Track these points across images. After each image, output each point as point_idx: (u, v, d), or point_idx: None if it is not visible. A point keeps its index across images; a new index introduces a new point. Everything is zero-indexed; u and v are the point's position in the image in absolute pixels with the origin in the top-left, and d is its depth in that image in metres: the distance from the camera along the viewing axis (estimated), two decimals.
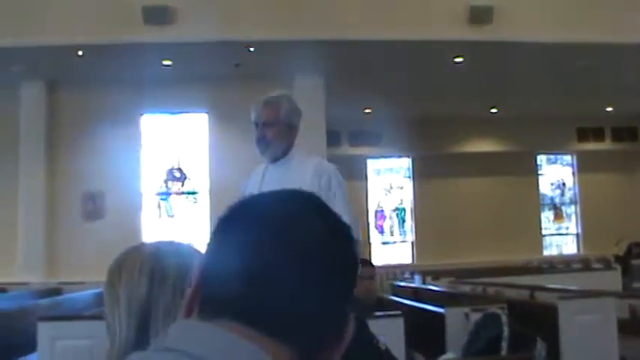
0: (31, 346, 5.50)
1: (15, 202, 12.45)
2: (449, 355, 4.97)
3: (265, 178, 3.89)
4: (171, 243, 1.78)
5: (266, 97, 3.86)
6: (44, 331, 4.56)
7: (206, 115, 12.87)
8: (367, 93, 14.28)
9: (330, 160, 12.82)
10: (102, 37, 10.80)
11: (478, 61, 12.21)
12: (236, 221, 0.98)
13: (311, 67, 12.30)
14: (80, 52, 11.25)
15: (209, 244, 1.00)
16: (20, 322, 6.29)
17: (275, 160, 3.88)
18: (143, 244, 1.78)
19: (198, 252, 1.79)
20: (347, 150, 17.42)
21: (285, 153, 3.88)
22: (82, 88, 12.49)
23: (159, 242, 1.78)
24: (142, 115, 13.05)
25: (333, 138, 14.57)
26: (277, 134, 3.79)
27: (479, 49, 11.46)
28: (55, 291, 10.51)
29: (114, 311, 1.63)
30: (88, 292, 9.80)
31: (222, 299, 0.92)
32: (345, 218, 3.21)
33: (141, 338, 1.60)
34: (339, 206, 3.59)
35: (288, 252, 0.92)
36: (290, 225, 0.95)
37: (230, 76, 12.19)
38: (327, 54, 11.65)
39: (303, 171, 3.81)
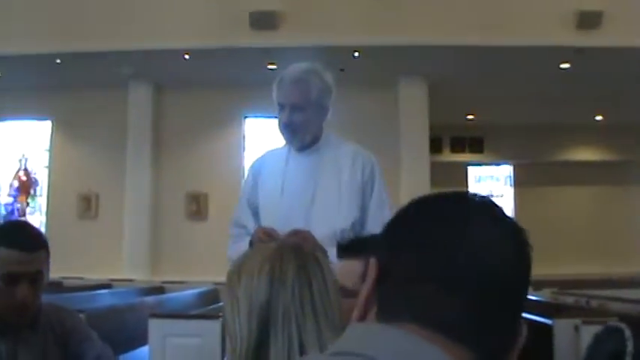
0: (139, 340, 5.64)
1: (122, 199, 12.81)
2: None
3: (290, 166, 3.35)
4: (293, 244, 1.76)
5: (293, 74, 3.25)
6: (155, 327, 4.68)
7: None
8: (470, 99, 14.09)
9: (432, 167, 12.56)
10: (209, 41, 10.98)
11: (584, 68, 11.87)
12: (414, 221, 0.95)
13: (415, 71, 12.20)
14: (187, 56, 11.46)
15: (382, 244, 0.97)
16: (129, 318, 6.46)
17: (303, 148, 3.35)
18: (263, 246, 1.77)
19: (318, 253, 1.77)
20: (448, 156, 17.24)
21: (315, 140, 3.34)
22: (188, 90, 12.73)
23: (279, 244, 1.76)
24: (245, 117, 13.20)
25: (434, 144, 14.44)
26: (308, 119, 3.24)
27: (585, 55, 11.14)
28: (159, 289, 10.76)
29: (234, 313, 1.62)
30: (190, 292, 9.99)
31: (402, 301, 0.89)
32: (386, 213, 3.07)
33: (261, 340, 1.59)
34: (381, 200, 3.30)
35: (470, 253, 0.88)
36: (473, 225, 0.91)
37: (334, 81, 12.09)
38: (431, 59, 11.54)
39: (339, 160, 3.32)
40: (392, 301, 0.91)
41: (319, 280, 1.65)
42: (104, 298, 8.64)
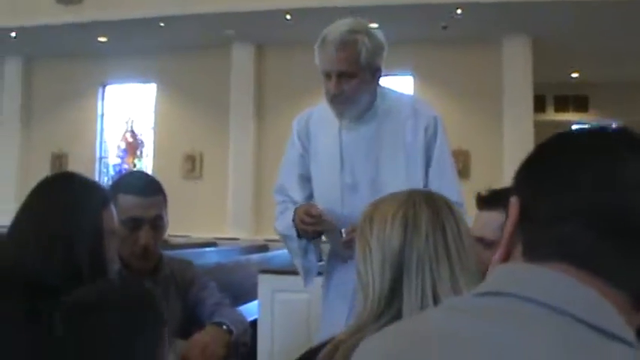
0: (245, 297, 5.76)
1: (226, 159, 13.01)
2: None
3: (346, 137, 2.92)
4: (425, 192, 1.74)
5: (337, 36, 2.75)
6: (264, 282, 4.75)
7: (411, 77, 12.78)
8: (574, 56, 13.68)
9: (535, 126, 12.17)
10: (310, 1, 11.00)
11: None
12: (558, 157, 0.91)
13: (519, 28, 11.89)
14: (288, 16, 11.51)
15: (523, 182, 0.94)
16: (236, 275, 6.58)
17: (358, 117, 2.91)
18: (393, 195, 1.73)
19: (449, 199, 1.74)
20: (552, 115, 16.83)
21: (370, 106, 2.91)
22: (289, 50, 12.76)
23: (409, 191, 1.73)
24: None
25: (537, 103, 14.11)
26: (359, 86, 2.80)
27: None
28: (263, 247, 10.90)
29: (366, 263, 1.62)
30: None
31: (549, 241, 0.86)
32: (454, 179, 2.73)
33: (394, 288, 1.58)
34: (448, 163, 2.94)
35: (620, 193, 0.84)
36: (623, 162, 0.86)
37: (436, 39, 12.04)
38: (536, 14, 11.24)
39: (400, 123, 2.90)
40: (538, 241, 0.88)
41: (453, 226, 1.62)
42: (211, 256, 8.81)
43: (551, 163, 0.91)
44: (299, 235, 2.95)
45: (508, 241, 0.93)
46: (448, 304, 0.96)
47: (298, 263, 3.08)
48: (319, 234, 2.95)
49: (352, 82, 2.77)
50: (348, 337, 1.52)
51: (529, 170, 0.94)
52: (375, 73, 2.85)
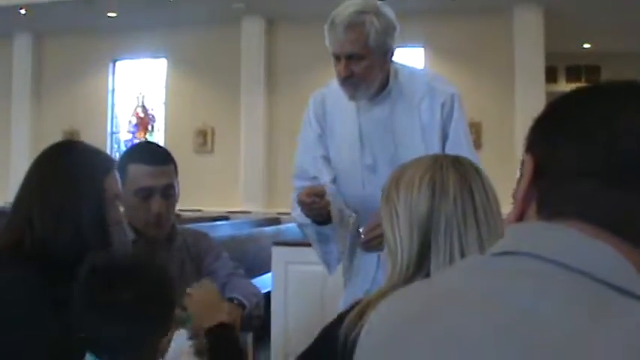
0: (258, 270, 5.79)
1: (237, 133, 13.02)
2: None
3: (363, 117, 2.86)
4: (452, 156, 1.71)
5: (345, 17, 2.67)
6: (278, 254, 4.78)
7: (422, 49, 12.70)
8: (587, 26, 13.56)
9: (547, 97, 12.11)
10: None
11: None
12: (571, 112, 0.89)
13: None
14: None
15: (537, 139, 0.91)
16: (249, 247, 6.63)
17: (371, 98, 2.83)
18: (419, 159, 1.70)
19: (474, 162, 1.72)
20: (563, 86, 16.70)
21: (383, 87, 2.83)
22: (299, 24, 12.69)
23: (435, 156, 1.70)
24: None
25: (549, 73, 14.02)
26: (369, 68, 2.72)
27: None
28: (275, 220, 10.93)
29: (394, 229, 1.60)
30: None
31: (565, 197, 0.85)
32: (472, 156, 2.59)
33: (422, 253, 1.57)
34: (464, 140, 2.86)
35: (635, 148, 0.82)
36: (635, 116, 0.84)
37: (447, 10, 11.95)
38: None
39: (416, 101, 2.83)
40: (553, 197, 0.86)
41: (480, 190, 1.60)
42: (223, 229, 8.85)
43: (566, 119, 0.89)
44: (314, 221, 2.87)
45: (522, 200, 0.91)
46: (464, 264, 0.95)
47: (318, 251, 3.03)
48: (328, 216, 2.81)
49: (362, 64, 2.69)
50: (377, 298, 1.47)
51: (543, 127, 0.92)
52: (387, 54, 2.76)
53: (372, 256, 2.75)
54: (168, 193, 2.62)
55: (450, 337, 0.80)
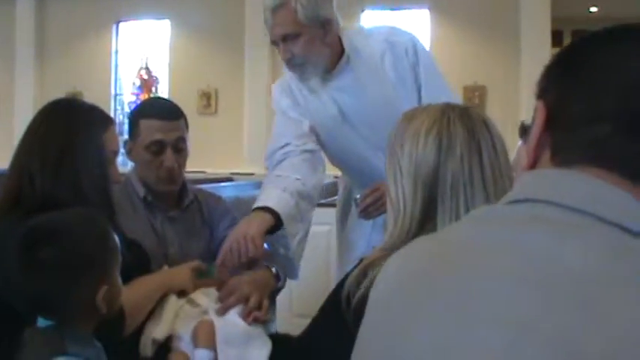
0: None
1: (241, 95, 12.96)
2: None
3: (335, 98, 2.79)
4: (460, 107, 1.63)
5: (270, 1, 2.62)
6: None
7: (427, 11, 12.58)
8: None
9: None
10: None
11: None
12: (583, 58, 0.88)
13: None
14: None
15: (549, 85, 0.90)
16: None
17: (327, 72, 2.76)
18: (427, 107, 1.62)
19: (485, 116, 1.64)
20: None
21: (336, 58, 2.75)
22: None
23: (444, 106, 1.61)
24: (363, 10, 13.00)
25: (555, 38, 13.92)
26: (309, 45, 2.64)
27: None
28: None
29: (397, 184, 1.54)
30: None
31: (579, 144, 0.83)
32: (451, 96, 2.53)
33: (427, 212, 1.51)
34: (437, 79, 2.80)
35: None
36: None
37: None
38: None
39: (376, 63, 2.75)
40: (567, 144, 0.85)
41: (489, 147, 1.54)
42: (228, 191, 8.82)
43: (579, 64, 0.87)
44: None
45: (535, 147, 0.89)
46: (474, 214, 0.93)
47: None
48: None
49: (299, 42, 2.64)
50: (380, 256, 1.45)
51: (555, 73, 0.90)
52: (325, 25, 2.66)
53: (364, 230, 2.74)
54: (180, 146, 2.62)
55: (465, 286, 0.79)
